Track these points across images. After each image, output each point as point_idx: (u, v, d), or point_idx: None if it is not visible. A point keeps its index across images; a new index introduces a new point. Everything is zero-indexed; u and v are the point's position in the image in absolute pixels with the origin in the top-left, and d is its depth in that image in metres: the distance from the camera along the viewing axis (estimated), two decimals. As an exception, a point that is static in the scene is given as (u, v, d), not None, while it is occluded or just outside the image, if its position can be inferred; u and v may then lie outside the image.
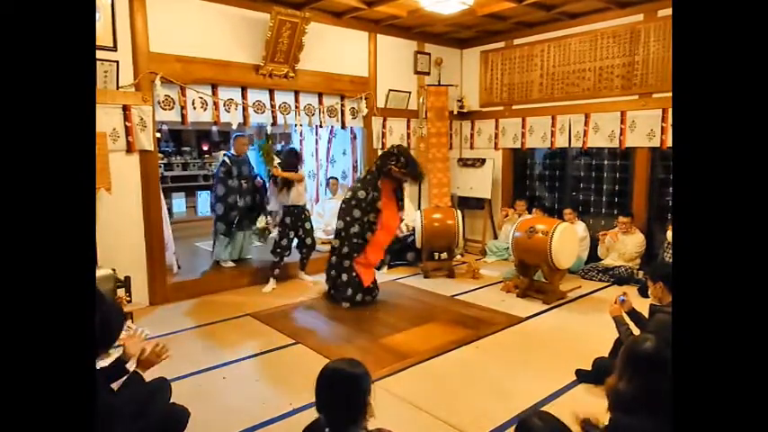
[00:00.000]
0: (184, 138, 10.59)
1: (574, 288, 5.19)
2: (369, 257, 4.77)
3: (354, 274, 4.70)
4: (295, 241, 5.37)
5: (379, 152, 6.43)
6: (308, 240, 5.40)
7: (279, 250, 5.25)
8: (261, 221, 6.60)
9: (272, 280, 5.29)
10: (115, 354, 2.38)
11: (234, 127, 5.29)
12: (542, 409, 2.81)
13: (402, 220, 5.14)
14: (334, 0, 5.25)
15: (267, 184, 5.59)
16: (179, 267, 5.37)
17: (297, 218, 5.29)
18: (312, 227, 5.47)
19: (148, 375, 2.26)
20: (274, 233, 5.60)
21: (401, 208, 4.97)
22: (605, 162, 6.15)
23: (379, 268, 5.82)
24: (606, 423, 1.91)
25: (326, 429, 1.62)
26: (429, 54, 6.82)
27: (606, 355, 3.24)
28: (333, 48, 5.80)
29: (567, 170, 6.56)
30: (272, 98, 5.42)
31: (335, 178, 7.09)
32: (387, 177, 4.72)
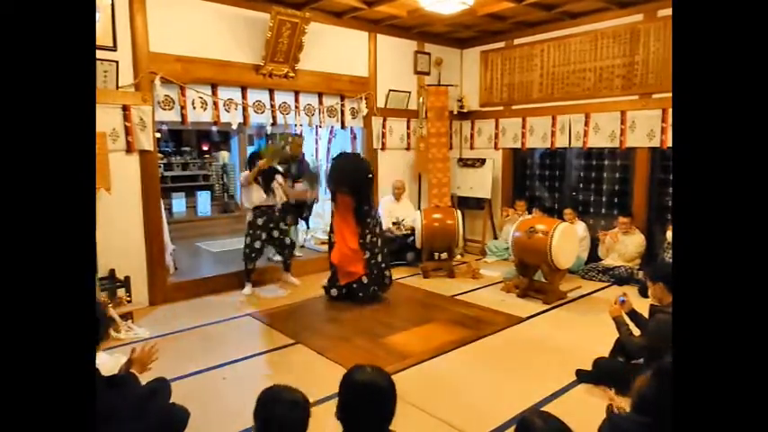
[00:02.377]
0: (184, 138, 10.58)
1: (574, 288, 5.18)
2: (336, 259, 4.77)
3: (335, 269, 4.82)
4: (258, 245, 5.07)
5: (379, 152, 6.46)
6: (287, 240, 5.26)
7: (253, 255, 5.06)
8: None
9: (248, 285, 5.13)
10: (118, 359, 2.38)
11: (234, 127, 5.28)
12: (542, 409, 2.82)
13: (360, 238, 4.71)
14: (334, 0, 5.25)
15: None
16: (176, 269, 5.35)
17: (270, 218, 5.11)
18: (287, 226, 5.33)
19: (145, 376, 2.25)
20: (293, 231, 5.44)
21: (358, 223, 4.70)
22: (605, 162, 6.16)
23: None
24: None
25: None
26: (429, 54, 6.82)
27: (606, 355, 3.24)
28: (333, 48, 5.80)
29: (567, 170, 6.56)
30: (271, 98, 5.42)
31: None
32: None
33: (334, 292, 4.85)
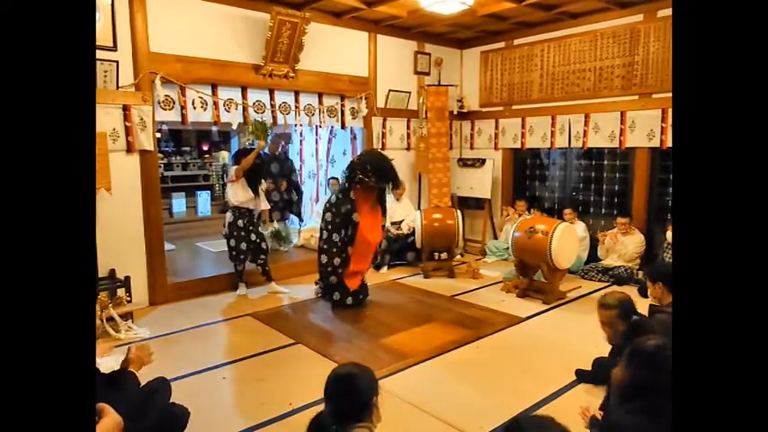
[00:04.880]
0: (184, 138, 10.60)
1: (573, 288, 5.19)
2: (354, 267, 4.63)
3: (343, 279, 4.64)
4: (244, 246, 4.99)
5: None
6: (264, 245, 5.11)
7: (242, 256, 4.98)
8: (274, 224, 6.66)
9: (242, 285, 5.09)
10: (118, 359, 2.38)
11: (234, 127, 5.27)
12: (543, 408, 2.82)
13: (384, 226, 4.90)
14: (334, 0, 5.25)
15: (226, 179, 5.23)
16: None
17: (250, 221, 5.00)
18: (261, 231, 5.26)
19: (146, 376, 2.25)
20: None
21: (384, 213, 4.79)
22: (605, 162, 6.16)
23: (378, 268, 5.81)
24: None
25: (333, 427, 1.66)
26: (429, 54, 6.82)
27: (606, 355, 3.24)
28: (333, 48, 5.80)
29: (567, 170, 6.57)
30: (272, 98, 5.42)
31: (336, 178, 7.07)
32: (362, 187, 4.56)
33: (349, 300, 4.66)
